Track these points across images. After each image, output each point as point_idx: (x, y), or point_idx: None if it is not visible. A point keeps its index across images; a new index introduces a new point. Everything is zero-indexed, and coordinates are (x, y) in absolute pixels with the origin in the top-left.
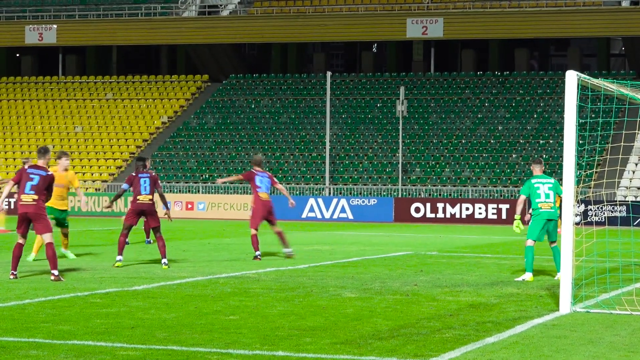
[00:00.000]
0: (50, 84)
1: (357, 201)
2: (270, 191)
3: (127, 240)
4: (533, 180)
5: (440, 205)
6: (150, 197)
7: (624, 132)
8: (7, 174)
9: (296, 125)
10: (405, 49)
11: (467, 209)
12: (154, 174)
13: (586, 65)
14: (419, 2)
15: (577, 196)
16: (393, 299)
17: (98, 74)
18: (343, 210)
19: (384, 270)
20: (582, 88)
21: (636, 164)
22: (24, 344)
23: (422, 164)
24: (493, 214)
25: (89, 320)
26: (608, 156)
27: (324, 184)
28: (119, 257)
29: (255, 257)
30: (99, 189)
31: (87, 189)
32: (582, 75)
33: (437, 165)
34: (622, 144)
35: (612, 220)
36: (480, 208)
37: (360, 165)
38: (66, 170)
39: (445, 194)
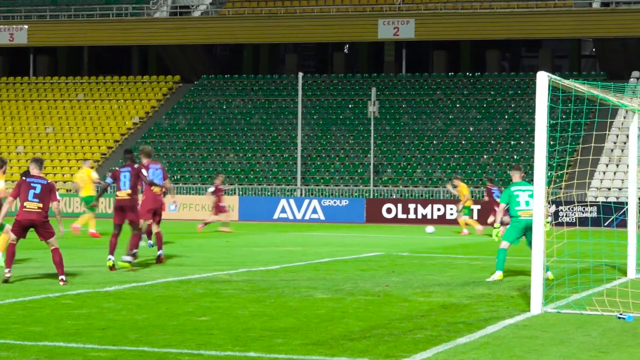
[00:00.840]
0: (21, 84)
1: (329, 202)
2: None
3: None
4: (513, 188)
5: (411, 206)
6: (129, 192)
7: (594, 133)
8: None
9: (268, 125)
10: (377, 50)
11: (439, 209)
12: (136, 166)
13: (557, 66)
14: (390, 3)
15: (547, 197)
16: (365, 299)
17: (69, 74)
18: (315, 211)
19: (355, 271)
20: (553, 89)
21: (607, 165)
22: None
23: (393, 165)
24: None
25: (60, 322)
26: (579, 157)
27: (296, 185)
28: (110, 257)
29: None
30: (70, 190)
31: (58, 189)
32: (553, 76)
33: (409, 166)
34: (592, 144)
35: (582, 221)
36: (451, 209)
37: (332, 166)
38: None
39: (416, 195)
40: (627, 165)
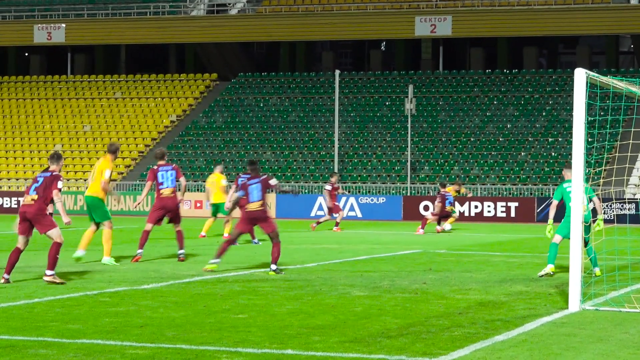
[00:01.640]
0: (59, 83)
1: (366, 199)
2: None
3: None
4: (565, 185)
5: None
6: (261, 202)
7: (632, 129)
8: (16, 172)
9: (305, 123)
10: (414, 47)
11: (476, 207)
12: (264, 176)
13: (595, 62)
14: (427, 0)
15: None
16: (402, 297)
17: (106, 73)
18: (352, 208)
19: (392, 269)
20: (591, 86)
21: None
22: (33, 343)
23: (430, 162)
24: (502, 212)
25: (98, 319)
26: (617, 154)
27: None
28: (215, 260)
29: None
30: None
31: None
32: (591, 73)
33: (446, 164)
34: (630, 141)
35: (621, 218)
36: (489, 206)
37: (369, 163)
38: None
39: None
40: None
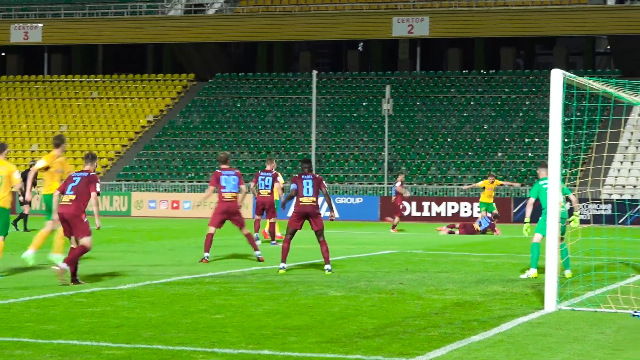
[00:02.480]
0: (35, 83)
1: (343, 200)
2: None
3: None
4: (541, 182)
5: (425, 204)
6: (314, 198)
7: (609, 130)
8: None
9: (282, 124)
10: (392, 48)
11: (453, 207)
12: (317, 175)
13: (572, 63)
14: (404, 1)
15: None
16: (379, 297)
17: (84, 72)
18: (329, 209)
19: (369, 269)
20: (568, 86)
21: (621, 162)
22: (9, 344)
23: (407, 163)
24: (479, 212)
25: (74, 320)
26: (593, 154)
27: None
28: (282, 265)
29: (202, 259)
30: None
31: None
32: (568, 73)
33: (423, 164)
34: (607, 142)
35: (597, 219)
36: (465, 206)
37: (346, 163)
38: None
39: (430, 193)
40: None
